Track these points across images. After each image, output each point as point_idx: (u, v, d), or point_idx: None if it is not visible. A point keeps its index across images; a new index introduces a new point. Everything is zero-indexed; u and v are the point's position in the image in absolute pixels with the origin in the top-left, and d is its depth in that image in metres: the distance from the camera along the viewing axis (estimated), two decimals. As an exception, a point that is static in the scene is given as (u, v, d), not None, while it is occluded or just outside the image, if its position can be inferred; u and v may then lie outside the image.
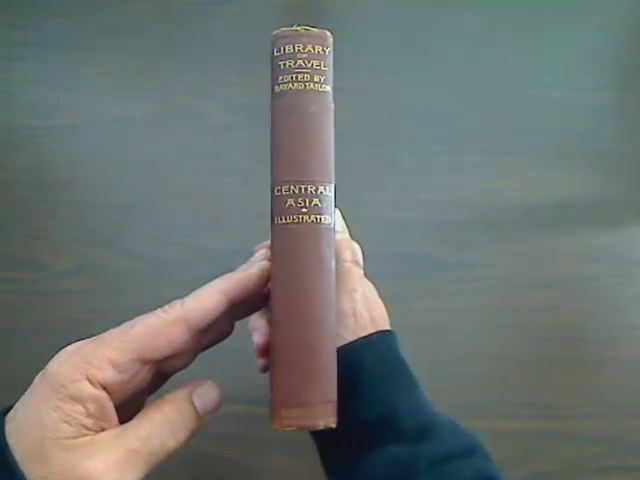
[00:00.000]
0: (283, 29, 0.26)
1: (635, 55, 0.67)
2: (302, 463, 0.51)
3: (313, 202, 0.25)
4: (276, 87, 0.26)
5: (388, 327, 0.33)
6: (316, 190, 0.25)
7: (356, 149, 0.60)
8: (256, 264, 0.27)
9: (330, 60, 0.27)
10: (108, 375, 0.22)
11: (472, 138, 0.63)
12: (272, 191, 0.26)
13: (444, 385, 0.54)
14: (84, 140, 0.61)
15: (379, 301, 0.34)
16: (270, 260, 0.26)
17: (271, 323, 0.26)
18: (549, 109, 0.64)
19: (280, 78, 0.26)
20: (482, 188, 0.61)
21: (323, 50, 0.26)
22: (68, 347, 0.26)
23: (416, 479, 0.26)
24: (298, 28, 0.26)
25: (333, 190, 0.26)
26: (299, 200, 0.25)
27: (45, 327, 0.55)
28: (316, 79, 0.26)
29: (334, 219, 0.26)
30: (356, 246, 0.36)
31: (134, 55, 0.64)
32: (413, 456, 0.27)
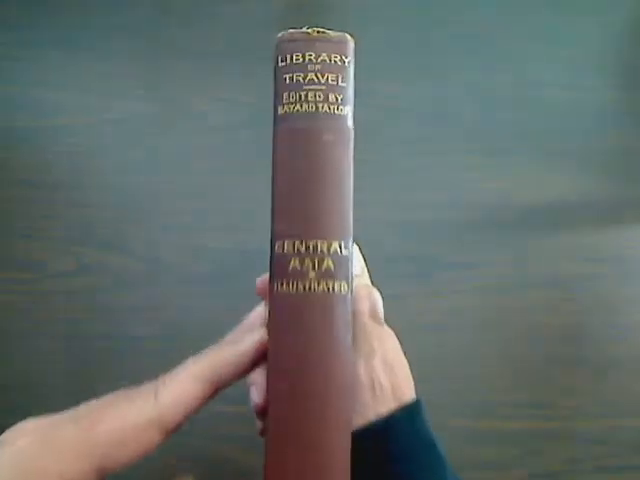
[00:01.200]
0: (291, 31, 0.20)
1: (635, 55, 0.67)
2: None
3: (325, 264, 0.19)
4: (280, 108, 0.20)
5: (413, 393, 0.28)
6: (329, 248, 0.19)
7: (356, 149, 0.60)
8: (247, 339, 0.22)
9: (350, 73, 0.21)
10: None
11: (472, 138, 0.62)
12: (271, 248, 0.20)
13: (444, 385, 0.54)
14: (83, 140, 0.61)
15: (402, 360, 0.29)
16: (268, 332, 0.20)
17: (268, 400, 0.20)
18: (549, 109, 0.64)
19: (285, 96, 0.20)
20: (482, 188, 0.61)
21: (342, 60, 0.20)
22: (28, 425, 0.20)
23: None
24: (309, 30, 0.20)
25: (351, 247, 0.20)
26: (306, 261, 0.19)
27: (44, 327, 0.55)
28: (332, 99, 0.20)
29: (352, 286, 0.20)
30: (376, 294, 0.29)
31: (134, 55, 0.64)
32: None
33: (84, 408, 0.21)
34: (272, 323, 0.20)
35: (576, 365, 0.56)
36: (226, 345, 0.22)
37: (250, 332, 0.22)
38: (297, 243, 0.19)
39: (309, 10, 0.67)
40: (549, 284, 0.58)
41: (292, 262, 0.19)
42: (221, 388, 0.21)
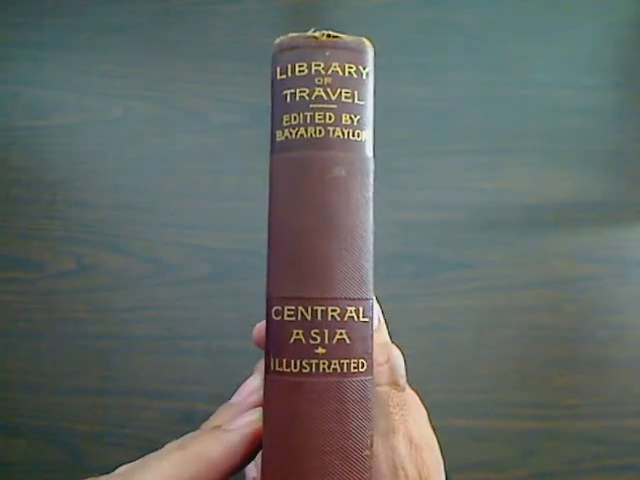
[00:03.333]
0: (292, 35, 0.16)
1: (635, 55, 0.67)
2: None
3: (337, 336, 0.15)
4: (278, 133, 0.16)
5: None
6: (342, 315, 0.15)
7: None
8: (240, 427, 0.17)
9: (370, 88, 0.16)
10: None
11: (472, 138, 0.62)
12: (267, 313, 0.15)
13: (444, 385, 0.54)
14: (83, 140, 0.61)
15: (431, 436, 0.23)
16: (263, 418, 0.16)
17: None
18: (549, 109, 0.64)
19: (286, 118, 0.16)
20: (482, 188, 0.61)
21: (358, 71, 0.16)
22: None
23: None
24: (317, 34, 0.16)
25: (372, 311, 0.16)
26: (313, 333, 0.15)
27: (43, 327, 0.55)
28: (346, 120, 0.15)
29: (372, 360, 0.16)
30: (397, 356, 0.23)
31: (134, 55, 0.64)
32: None
33: None
34: (267, 410, 0.16)
35: (576, 365, 0.56)
36: (212, 436, 0.17)
37: (241, 416, 0.18)
38: (301, 309, 0.14)
39: (309, 10, 0.67)
40: (549, 284, 0.58)
41: (294, 334, 0.15)
42: None
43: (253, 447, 0.17)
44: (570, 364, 0.56)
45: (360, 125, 0.16)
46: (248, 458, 0.17)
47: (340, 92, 0.15)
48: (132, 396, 0.54)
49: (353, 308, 0.15)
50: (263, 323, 0.19)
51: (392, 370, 0.22)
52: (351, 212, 0.15)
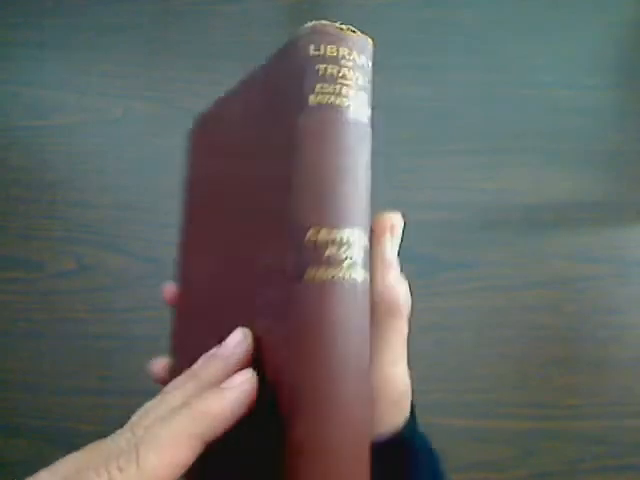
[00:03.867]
0: (323, 22, 0.20)
1: (635, 55, 0.67)
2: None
3: (351, 253, 0.19)
4: (311, 97, 0.19)
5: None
6: (349, 237, 0.19)
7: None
8: (239, 384, 0.19)
9: (371, 78, 0.21)
10: None
11: (472, 138, 0.62)
12: (293, 236, 0.18)
13: (444, 385, 0.54)
14: (83, 140, 0.61)
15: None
16: (291, 325, 0.18)
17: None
18: (549, 109, 0.64)
19: (319, 87, 0.19)
20: (482, 188, 0.61)
21: (367, 63, 0.20)
22: None
23: None
24: (343, 26, 0.20)
25: (368, 235, 0.20)
26: (335, 249, 0.18)
27: (43, 327, 0.55)
28: (361, 100, 0.20)
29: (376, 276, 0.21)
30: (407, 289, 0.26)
31: (134, 55, 0.64)
32: None
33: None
34: (297, 318, 0.18)
35: (576, 365, 0.56)
36: (215, 394, 0.19)
37: (238, 374, 0.19)
38: (325, 230, 0.18)
39: (309, 10, 0.67)
40: (549, 284, 0.58)
41: (328, 250, 0.18)
42: (210, 442, 0.18)
43: (251, 402, 0.19)
44: (570, 364, 0.56)
45: (369, 105, 0.20)
46: (246, 411, 0.19)
47: (357, 76, 0.20)
48: (132, 396, 0.54)
49: (359, 230, 0.19)
50: (169, 283, 0.27)
51: (407, 303, 0.25)
52: (359, 163, 0.20)
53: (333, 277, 0.18)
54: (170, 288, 0.30)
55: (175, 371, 0.24)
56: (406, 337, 0.25)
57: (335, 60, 0.19)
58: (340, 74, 0.19)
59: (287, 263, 0.18)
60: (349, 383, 0.18)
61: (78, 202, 0.58)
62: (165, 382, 0.24)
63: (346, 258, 0.18)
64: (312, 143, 0.19)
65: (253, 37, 0.64)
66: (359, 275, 0.19)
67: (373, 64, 0.21)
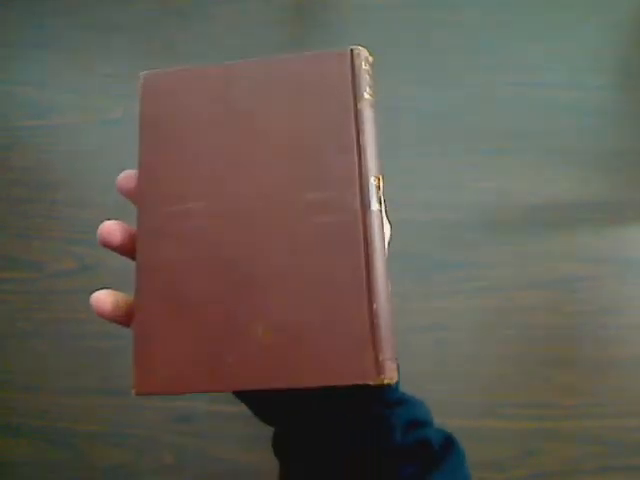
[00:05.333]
0: (361, 47, 0.28)
1: (636, 55, 0.67)
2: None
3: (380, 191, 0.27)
4: (365, 94, 0.28)
5: None
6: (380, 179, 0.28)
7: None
8: None
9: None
10: None
11: (472, 138, 0.62)
12: (364, 182, 0.27)
13: (444, 385, 0.54)
14: (82, 140, 0.61)
15: None
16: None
17: None
18: (550, 109, 0.64)
19: (369, 89, 0.28)
20: (482, 188, 0.61)
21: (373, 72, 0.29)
22: None
23: (394, 433, 0.27)
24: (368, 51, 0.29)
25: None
26: (381, 190, 0.27)
27: (43, 327, 0.55)
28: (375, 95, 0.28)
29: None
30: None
31: (134, 55, 0.64)
32: (392, 414, 0.28)
33: None
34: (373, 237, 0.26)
35: (576, 365, 0.56)
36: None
37: None
38: (380, 178, 0.27)
39: (309, 10, 0.67)
40: (549, 284, 0.58)
41: (379, 191, 0.27)
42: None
43: None
44: (570, 364, 0.56)
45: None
46: None
47: (373, 83, 0.28)
48: (132, 396, 0.54)
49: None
50: (130, 172, 0.31)
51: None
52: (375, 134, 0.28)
53: (379, 209, 0.26)
54: (128, 175, 0.30)
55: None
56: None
57: (370, 73, 0.28)
58: (371, 82, 0.28)
59: (353, 198, 0.26)
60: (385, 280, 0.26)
61: (78, 202, 0.58)
62: (131, 193, 0.29)
63: (382, 196, 0.27)
64: (367, 121, 0.27)
65: (253, 37, 0.64)
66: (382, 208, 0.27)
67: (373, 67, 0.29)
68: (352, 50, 0.29)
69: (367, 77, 0.29)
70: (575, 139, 0.63)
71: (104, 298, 0.27)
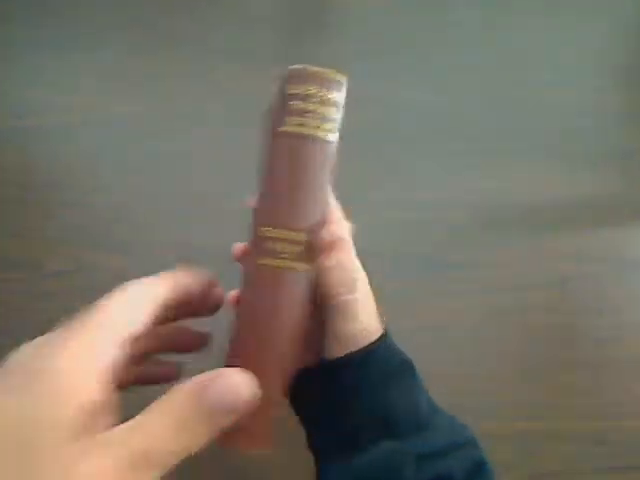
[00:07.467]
0: (295, 67, 0.25)
1: (636, 55, 0.67)
2: (303, 461, 0.50)
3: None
4: (284, 125, 0.25)
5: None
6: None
7: (356, 149, 0.60)
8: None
9: (341, 108, 0.26)
10: None
11: (472, 138, 0.62)
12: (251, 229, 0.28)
13: (444, 385, 0.53)
14: (80, 140, 0.61)
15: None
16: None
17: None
18: (549, 109, 0.64)
19: (288, 119, 0.25)
20: (482, 188, 0.61)
21: (339, 96, 0.26)
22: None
23: (402, 470, 0.25)
24: (315, 69, 0.25)
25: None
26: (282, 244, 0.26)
27: (44, 327, 0.55)
28: (327, 127, 0.25)
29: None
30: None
31: (134, 55, 0.64)
32: (401, 450, 0.26)
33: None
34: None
35: (576, 365, 0.56)
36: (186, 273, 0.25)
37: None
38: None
39: (309, 10, 0.67)
40: (549, 284, 0.58)
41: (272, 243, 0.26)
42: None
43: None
44: (570, 364, 0.56)
45: (332, 131, 0.26)
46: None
47: (324, 109, 0.26)
48: (132, 396, 0.54)
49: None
50: (240, 245, 0.32)
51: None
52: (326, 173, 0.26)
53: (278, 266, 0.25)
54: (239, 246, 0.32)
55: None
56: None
57: (303, 97, 0.24)
58: (307, 108, 0.24)
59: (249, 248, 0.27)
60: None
61: (77, 202, 0.58)
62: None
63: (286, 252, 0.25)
64: (276, 160, 0.25)
65: (253, 35, 0.64)
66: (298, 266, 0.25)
67: (348, 91, 0.26)
68: (278, 78, 0.25)
69: (295, 103, 0.24)
70: (575, 139, 0.63)
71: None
